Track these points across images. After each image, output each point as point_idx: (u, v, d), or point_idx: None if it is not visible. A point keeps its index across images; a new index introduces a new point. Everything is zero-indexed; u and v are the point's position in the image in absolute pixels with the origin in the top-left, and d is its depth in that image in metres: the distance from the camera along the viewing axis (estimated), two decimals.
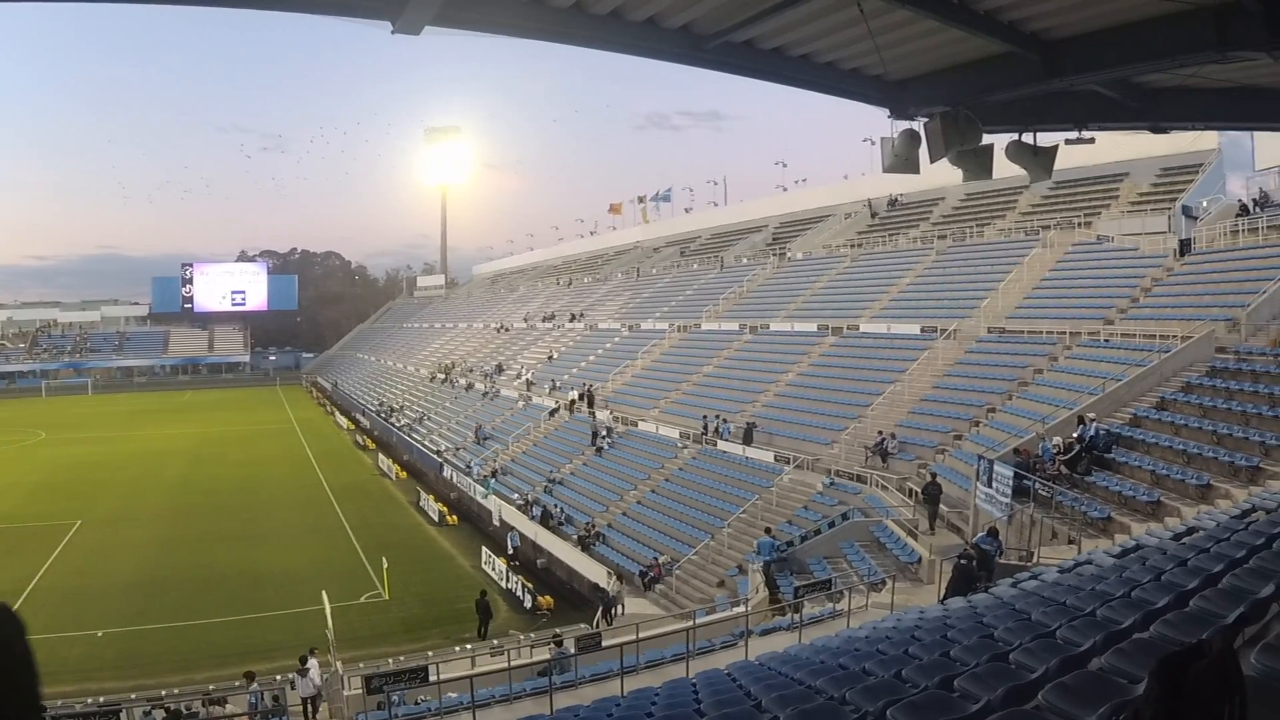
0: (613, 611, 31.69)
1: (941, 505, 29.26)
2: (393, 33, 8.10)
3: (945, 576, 21.42)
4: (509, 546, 39.94)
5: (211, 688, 24.54)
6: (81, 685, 26.74)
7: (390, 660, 26.82)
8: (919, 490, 30.11)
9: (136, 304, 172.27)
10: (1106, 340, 33.66)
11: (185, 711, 21.74)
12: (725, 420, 43.97)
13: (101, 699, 23.41)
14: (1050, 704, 5.93)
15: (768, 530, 30.81)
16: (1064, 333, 35.73)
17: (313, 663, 22.61)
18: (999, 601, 14.12)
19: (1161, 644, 6.86)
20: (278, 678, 24.67)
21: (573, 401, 58.34)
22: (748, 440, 41.38)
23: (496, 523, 46.88)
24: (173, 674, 28.98)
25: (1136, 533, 20.75)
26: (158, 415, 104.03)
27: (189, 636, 32.37)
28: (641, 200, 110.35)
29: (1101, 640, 7.71)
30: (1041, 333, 36.94)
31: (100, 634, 32.41)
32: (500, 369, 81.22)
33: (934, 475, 30.66)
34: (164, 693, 25.17)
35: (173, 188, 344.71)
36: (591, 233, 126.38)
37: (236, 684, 23.86)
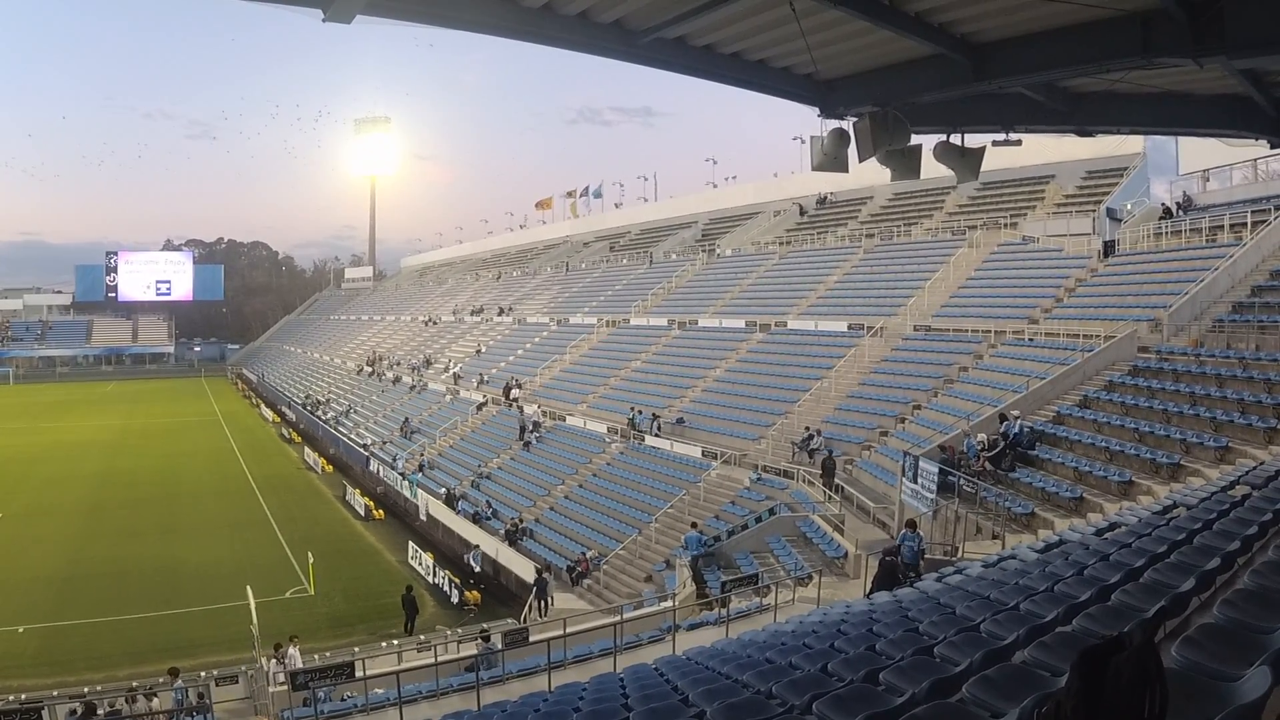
0: (546, 599, 31.63)
1: (869, 501, 29.95)
2: (324, 20, 7.95)
3: (871, 571, 21.59)
4: (471, 565, 38.83)
5: (134, 684, 24.11)
6: (2, 682, 26.32)
7: (316, 656, 26.47)
8: (819, 464, 32.67)
9: (60, 292, 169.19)
10: (1031, 339, 34.21)
11: (109, 708, 21.34)
12: (641, 412, 44.38)
13: (24, 696, 22.99)
14: (974, 697, 5.98)
15: (695, 525, 30.90)
16: (989, 331, 36.22)
17: (293, 652, 22.97)
18: (924, 596, 14.24)
19: (1083, 637, 6.95)
20: (202, 674, 24.31)
21: (514, 398, 57.90)
22: (657, 432, 41.92)
23: (423, 517, 46.56)
24: (93, 671, 28.37)
25: (1059, 528, 20.99)
26: (80, 406, 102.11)
27: (110, 632, 31.79)
28: (571, 195, 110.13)
29: (1025, 634, 7.80)
30: (967, 331, 37.44)
31: (21, 629, 31.75)
32: (428, 362, 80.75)
33: (830, 452, 32.89)
34: (86, 690, 24.64)
35: (98, 175, 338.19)
36: (521, 226, 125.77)
37: (160, 680, 23.48)
